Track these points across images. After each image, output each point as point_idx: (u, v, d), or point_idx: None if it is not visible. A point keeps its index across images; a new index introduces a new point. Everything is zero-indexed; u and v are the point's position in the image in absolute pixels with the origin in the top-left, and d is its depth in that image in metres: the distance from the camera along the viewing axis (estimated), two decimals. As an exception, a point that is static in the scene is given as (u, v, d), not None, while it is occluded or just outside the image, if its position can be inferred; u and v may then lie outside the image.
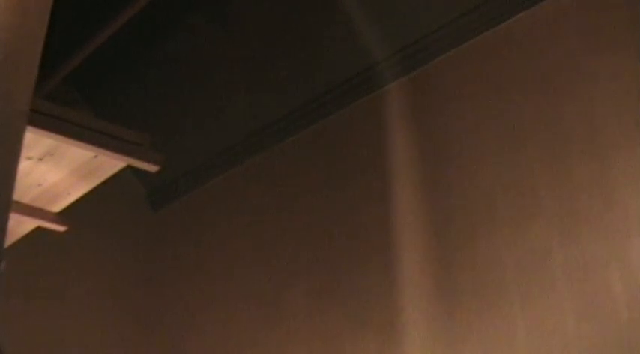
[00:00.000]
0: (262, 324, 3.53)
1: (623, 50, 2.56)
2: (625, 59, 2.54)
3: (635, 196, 2.41)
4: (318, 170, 3.55)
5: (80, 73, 3.69)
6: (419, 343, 2.86)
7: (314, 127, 3.61)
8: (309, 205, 3.53)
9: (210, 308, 3.85)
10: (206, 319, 3.84)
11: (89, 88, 4.14)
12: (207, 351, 3.75)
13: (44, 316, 4.02)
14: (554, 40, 2.81)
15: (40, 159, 2.55)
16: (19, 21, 1.65)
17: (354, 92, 3.45)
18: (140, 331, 4.12)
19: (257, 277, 3.65)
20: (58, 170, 2.62)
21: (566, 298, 2.48)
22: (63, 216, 2.88)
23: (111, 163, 2.59)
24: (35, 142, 2.46)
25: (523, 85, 2.85)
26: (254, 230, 3.78)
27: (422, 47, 3.21)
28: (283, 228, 3.62)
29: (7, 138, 1.63)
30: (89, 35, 3.43)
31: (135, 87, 4.08)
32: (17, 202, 2.63)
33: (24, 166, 2.46)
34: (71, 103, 3.81)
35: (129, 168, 2.66)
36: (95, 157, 2.55)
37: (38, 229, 2.91)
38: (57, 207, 2.83)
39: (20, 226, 2.81)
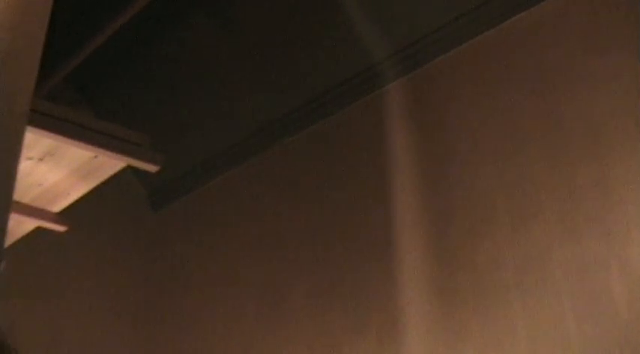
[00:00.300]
0: (262, 324, 3.53)
1: (623, 50, 2.56)
2: (625, 59, 2.54)
3: (636, 196, 2.41)
4: (318, 170, 3.55)
5: (80, 73, 3.69)
6: (419, 343, 2.86)
7: (314, 127, 3.61)
8: (309, 205, 3.53)
9: (211, 308, 3.85)
10: (206, 319, 3.84)
11: (89, 88, 4.14)
12: (207, 351, 3.76)
13: (44, 316, 4.02)
14: (554, 40, 2.81)
15: (40, 159, 2.56)
16: (19, 21, 1.65)
17: (354, 92, 3.45)
18: (140, 331, 4.13)
19: (257, 277, 3.65)
20: (58, 170, 2.62)
21: (566, 298, 2.48)
22: (63, 216, 2.88)
23: (111, 163, 2.60)
24: (35, 142, 2.46)
25: (523, 85, 2.85)
26: (254, 230, 3.78)
27: (422, 47, 3.21)
28: (283, 228, 3.62)
29: (7, 138, 1.63)
30: (89, 35, 3.43)
31: (135, 87, 4.08)
32: (17, 202, 2.63)
33: (24, 166, 2.46)
34: (71, 103, 3.81)
35: (129, 168, 2.66)
36: (95, 157, 2.55)
37: (38, 229, 2.91)
38: (57, 207, 2.83)
39: (20, 226, 2.82)
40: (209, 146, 4.05)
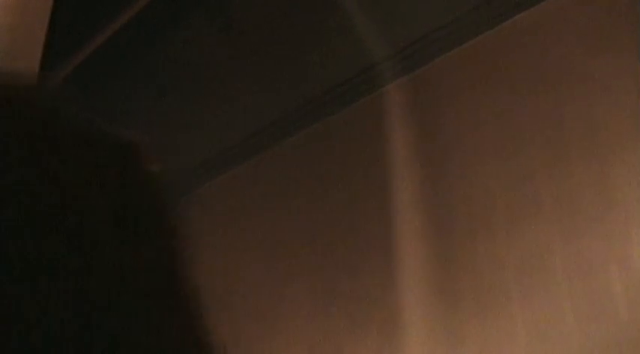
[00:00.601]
0: (262, 324, 3.53)
1: (623, 50, 2.56)
2: (625, 59, 2.54)
3: (636, 196, 2.41)
4: (318, 170, 3.55)
5: (80, 73, 3.69)
6: (419, 343, 2.86)
7: (314, 127, 3.61)
8: (309, 205, 3.53)
9: (210, 308, 3.85)
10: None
11: (89, 89, 4.13)
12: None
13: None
14: (554, 40, 2.81)
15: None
16: (19, 21, 1.65)
17: (354, 92, 3.45)
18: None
19: (257, 277, 3.65)
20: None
21: (566, 298, 2.48)
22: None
23: (111, 164, 2.59)
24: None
25: (523, 85, 2.85)
26: (253, 230, 3.77)
27: (422, 47, 3.21)
28: (283, 228, 3.62)
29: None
30: (89, 35, 3.43)
31: (135, 87, 4.08)
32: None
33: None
34: (71, 103, 3.80)
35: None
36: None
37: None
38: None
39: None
40: (209, 146, 4.05)
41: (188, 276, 0.51)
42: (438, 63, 3.17)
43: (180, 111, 4.06)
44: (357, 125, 3.43)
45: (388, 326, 2.99)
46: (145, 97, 4.10)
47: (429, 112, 3.16)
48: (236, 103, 3.86)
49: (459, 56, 3.11)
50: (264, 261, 3.66)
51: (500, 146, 2.85)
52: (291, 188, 3.67)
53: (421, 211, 3.03)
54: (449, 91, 3.12)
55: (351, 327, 3.14)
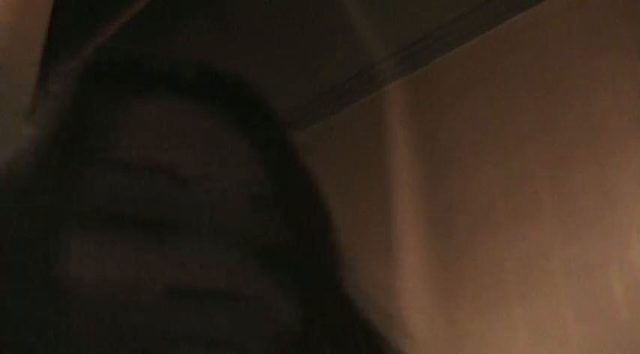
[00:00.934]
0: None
1: (623, 50, 2.56)
2: (625, 59, 2.54)
3: (636, 196, 2.41)
4: (317, 170, 3.54)
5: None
6: (419, 343, 2.85)
7: (314, 127, 3.61)
8: (309, 205, 3.53)
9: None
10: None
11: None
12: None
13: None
14: (554, 40, 2.81)
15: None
16: (19, 21, 1.65)
17: (354, 92, 3.45)
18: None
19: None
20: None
21: (566, 298, 2.48)
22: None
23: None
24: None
25: (523, 85, 2.85)
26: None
27: (422, 47, 3.21)
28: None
29: (7, 138, 1.63)
30: (89, 35, 3.43)
31: (135, 87, 4.08)
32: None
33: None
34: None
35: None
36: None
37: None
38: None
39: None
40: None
41: None
42: (438, 63, 3.18)
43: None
44: (357, 125, 3.43)
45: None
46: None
47: (429, 112, 3.16)
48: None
49: (459, 56, 3.11)
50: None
51: (501, 146, 2.85)
52: (291, 188, 3.66)
53: (421, 211, 3.03)
54: (449, 91, 3.12)
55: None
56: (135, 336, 0.42)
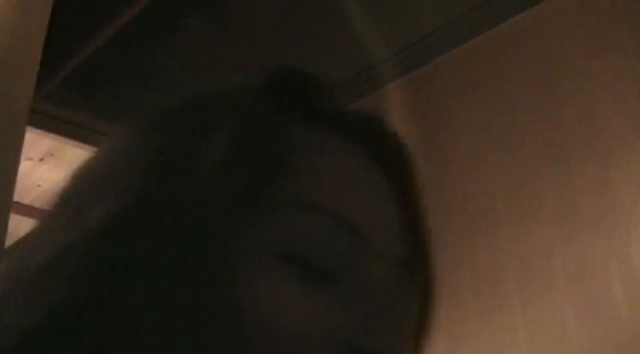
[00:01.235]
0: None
1: (623, 50, 2.56)
2: (625, 59, 2.54)
3: (636, 196, 2.41)
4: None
5: (80, 73, 3.69)
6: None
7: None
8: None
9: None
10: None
11: (89, 89, 4.14)
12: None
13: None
14: (554, 40, 2.81)
15: (41, 159, 2.56)
16: (19, 21, 1.65)
17: (354, 92, 3.45)
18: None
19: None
20: (58, 171, 2.63)
21: (566, 298, 2.48)
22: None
23: (111, 164, 2.59)
24: (35, 142, 2.47)
25: (523, 85, 2.85)
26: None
27: (422, 48, 3.21)
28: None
29: (7, 138, 1.63)
30: (89, 35, 3.43)
31: (135, 87, 4.08)
32: (17, 203, 2.64)
33: (24, 166, 2.46)
34: (71, 103, 3.81)
35: (129, 168, 2.65)
36: (95, 157, 2.54)
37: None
38: (57, 207, 2.82)
39: (20, 226, 2.81)
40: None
41: None
42: (438, 63, 3.18)
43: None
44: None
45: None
46: (145, 98, 4.10)
47: (429, 112, 3.16)
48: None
49: (458, 56, 3.11)
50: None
51: (501, 146, 2.85)
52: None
53: (421, 211, 3.03)
54: (449, 91, 3.12)
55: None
56: None
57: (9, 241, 2.05)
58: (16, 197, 2.46)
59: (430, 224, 0.57)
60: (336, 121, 0.53)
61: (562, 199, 2.60)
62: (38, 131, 2.31)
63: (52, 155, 2.49)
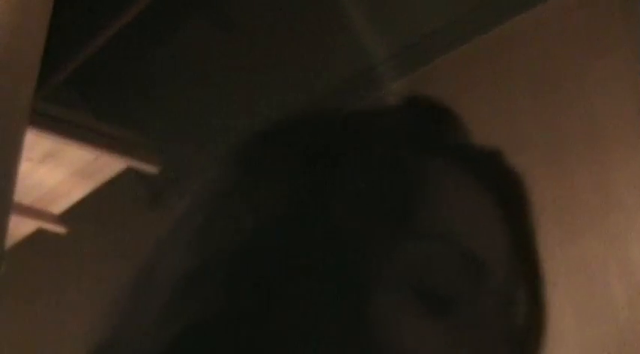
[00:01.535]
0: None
1: (623, 51, 2.56)
2: (625, 60, 2.54)
3: (636, 197, 2.41)
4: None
5: (81, 74, 3.69)
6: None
7: (314, 127, 3.61)
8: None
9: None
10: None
11: (89, 89, 4.14)
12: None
13: (44, 316, 4.02)
14: (554, 40, 2.81)
15: (41, 160, 2.56)
16: (19, 22, 1.65)
17: (354, 93, 3.45)
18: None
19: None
20: (58, 171, 2.63)
21: (566, 299, 2.48)
22: (63, 217, 2.88)
23: (111, 164, 2.60)
24: (36, 143, 2.47)
25: (523, 86, 2.85)
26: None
27: (422, 48, 3.21)
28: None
29: (7, 139, 1.63)
30: (90, 36, 3.44)
31: (135, 87, 4.08)
32: (18, 204, 2.64)
33: (24, 167, 2.46)
34: (72, 104, 3.81)
35: (129, 169, 2.66)
36: (95, 158, 2.55)
37: (39, 230, 2.91)
38: (57, 208, 2.83)
39: (21, 227, 2.82)
40: (209, 146, 4.05)
41: None
42: (438, 63, 3.18)
43: (180, 111, 4.06)
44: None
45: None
46: (146, 97, 4.10)
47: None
48: (236, 104, 3.86)
49: (458, 56, 3.11)
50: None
51: (500, 146, 2.84)
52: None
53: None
54: (449, 91, 3.11)
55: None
56: None
57: (9, 241, 2.06)
58: (17, 198, 2.46)
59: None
60: (462, 154, 0.56)
61: (562, 199, 2.60)
62: (39, 132, 2.31)
63: (52, 156, 2.49)
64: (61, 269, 4.08)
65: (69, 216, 2.90)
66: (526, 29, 2.91)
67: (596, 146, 2.56)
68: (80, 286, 4.08)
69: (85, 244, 4.10)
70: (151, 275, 0.54)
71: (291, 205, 0.49)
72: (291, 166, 0.52)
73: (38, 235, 2.93)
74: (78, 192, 2.71)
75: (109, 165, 2.54)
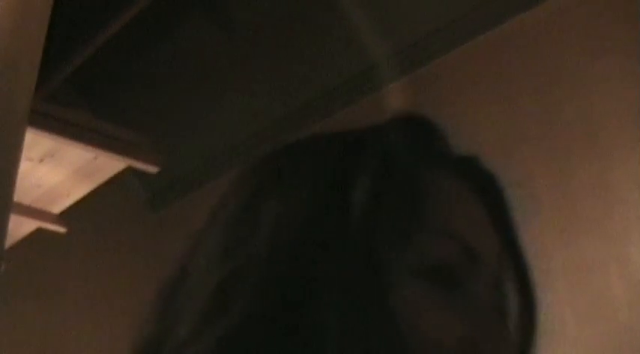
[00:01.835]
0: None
1: (623, 51, 2.56)
2: (625, 59, 2.55)
3: (636, 197, 2.41)
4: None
5: (80, 73, 3.69)
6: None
7: (314, 127, 3.61)
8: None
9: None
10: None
11: (89, 89, 4.14)
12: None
13: (44, 316, 4.02)
14: (554, 40, 2.81)
15: (41, 160, 2.56)
16: (19, 22, 1.65)
17: (354, 92, 3.45)
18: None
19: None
20: (58, 171, 2.62)
21: (566, 299, 2.48)
22: (63, 217, 2.88)
23: (111, 164, 2.60)
24: (35, 143, 2.47)
25: (523, 86, 2.85)
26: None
27: (422, 48, 3.21)
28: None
29: (7, 139, 1.63)
30: (90, 36, 3.44)
31: (135, 88, 4.08)
32: (17, 204, 2.63)
33: (24, 167, 2.46)
34: (71, 103, 3.81)
35: (129, 169, 2.66)
36: (95, 158, 2.55)
37: (38, 230, 2.91)
38: (57, 208, 2.83)
39: (20, 227, 2.82)
40: (209, 146, 4.06)
41: None
42: (438, 63, 3.18)
43: (180, 111, 4.07)
44: (357, 126, 3.43)
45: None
46: (146, 97, 4.10)
47: (429, 112, 3.16)
48: (236, 104, 3.86)
49: (459, 56, 3.11)
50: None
51: (500, 146, 2.85)
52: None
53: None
54: (449, 91, 3.12)
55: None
56: None
57: (9, 241, 2.06)
58: (16, 198, 2.46)
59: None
60: (452, 161, 0.67)
61: (561, 200, 2.60)
62: (38, 132, 2.31)
63: (52, 156, 2.49)
64: (61, 269, 4.08)
65: (69, 216, 2.90)
66: (526, 29, 2.91)
67: (596, 146, 2.56)
68: (80, 286, 4.08)
69: (85, 244, 4.10)
70: (181, 284, 0.61)
71: (314, 209, 0.56)
72: (315, 175, 0.59)
73: (38, 234, 2.93)
74: (78, 192, 2.70)
75: (108, 165, 2.54)
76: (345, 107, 3.48)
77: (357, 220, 0.55)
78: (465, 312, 0.56)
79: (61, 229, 2.90)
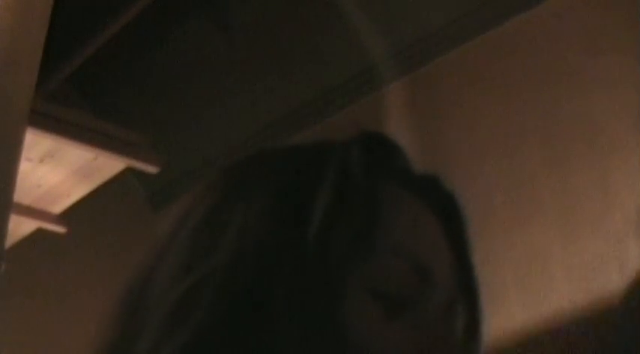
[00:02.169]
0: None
1: (623, 51, 2.56)
2: (625, 60, 2.54)
3: (635, 197, 2.41)
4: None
5: (80, 73, 3.69)
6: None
7: (314, 127, 3.61)
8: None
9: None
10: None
11: (89, 89, 4.14)
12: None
13: (44, 316, 4.02)
14: (554, 40, 2.81)
15: (41, 160, 2.56)
16: (19, 22, 1.65)
17: (354, 92, 3.45)
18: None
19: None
20: (58, 171, 2.62)
21: (566, 299, 2.49)
22: (63, 217, 2.88)
23: (111, 164, 2.60)
24: (35, 143, 2.47)
25: (523, 86, 2.85)
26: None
27: (422, 48, 3.21)
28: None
29: (7, 139, 1.63)
30: (90, 36, 3.44)
31: (135, 87, 4.08)
32: (17, 204, 2.64)
33: (24, 167, 2.47)
34: (71, 103, 3.81)
35: (129, 169, 2.66)
36: (95, 158, 2.55)
37: (38, 230, 2.91)
38: (57, 208, 2.83)
39: (20, 227, 2.82)
40: (209, 146, 4.06)
41: None
42: (438, 63, 3.18)
43: (180, 111, 4.07)
44: (357, 126, 3.42)
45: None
46: (145, 97, 4.10)
47: (429, 112, 3.16)
48: (236, 104, 3.86)
49: (459, 56, 3.11)
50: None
51: (500, 146, 2.85)
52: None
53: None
54: (449, 91, 3.12)
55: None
56: None
57: (9, 241, 2.06)
58: (16, 198, 2.46)
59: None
60: (408, 179, 0.66)
61: (561, 200, 2.60)
62: (38, 132, 2.31)
63: (52, 156, 2.49)
64: (61, 269, 4.08)
65: (69, 216, 2.90)
66: (526, 29, 2.91)
67: (596, 145, 2.56)
68: (80, 286, 4.08)
69: (85, 244, 4.10)
70: (147, 287, 0.62)
71: (272, 222, 0.57)
72: (276, 188, 0.60)
73: (38, 234, 2.93)
74: (78, 192, 2.70)
75: (108, 165, 2.54)
76: (345, 107, 3.48)
77: (313, 235, 0.56)
78: (415, 330, 0.57)
79: (61, 229, 2.90)
